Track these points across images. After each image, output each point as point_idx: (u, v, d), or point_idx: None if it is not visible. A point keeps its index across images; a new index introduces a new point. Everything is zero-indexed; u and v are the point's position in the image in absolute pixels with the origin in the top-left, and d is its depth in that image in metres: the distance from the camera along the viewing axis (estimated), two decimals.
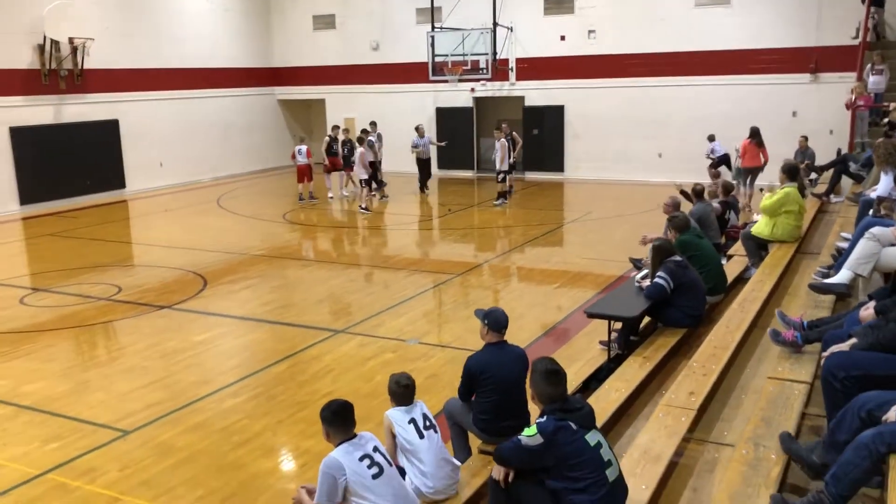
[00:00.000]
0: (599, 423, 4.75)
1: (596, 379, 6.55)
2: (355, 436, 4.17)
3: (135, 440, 6.67)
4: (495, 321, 5.11)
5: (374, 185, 19.14)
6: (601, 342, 7.33)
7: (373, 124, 20.23)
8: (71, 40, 19.20)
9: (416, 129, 20.30)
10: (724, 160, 17.60)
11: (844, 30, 17.68)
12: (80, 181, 19.96)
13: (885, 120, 13.04)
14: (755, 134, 15.98)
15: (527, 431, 3.82)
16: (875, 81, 15.07)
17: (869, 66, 15.47)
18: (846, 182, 12.63)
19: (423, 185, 20.49)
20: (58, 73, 19.35)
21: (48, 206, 19.08)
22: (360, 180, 18.22)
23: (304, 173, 19.17)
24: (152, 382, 7.96)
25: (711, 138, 18.31)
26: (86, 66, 19.81)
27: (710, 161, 17.64)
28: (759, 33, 19.34)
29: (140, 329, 9.75)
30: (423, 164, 20.39)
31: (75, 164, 19.74)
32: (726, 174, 16.24)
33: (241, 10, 25.09)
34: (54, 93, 19.42)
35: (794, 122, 18.72)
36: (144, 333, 9.55)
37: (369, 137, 19.05)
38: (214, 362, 8.70)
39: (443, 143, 21.75)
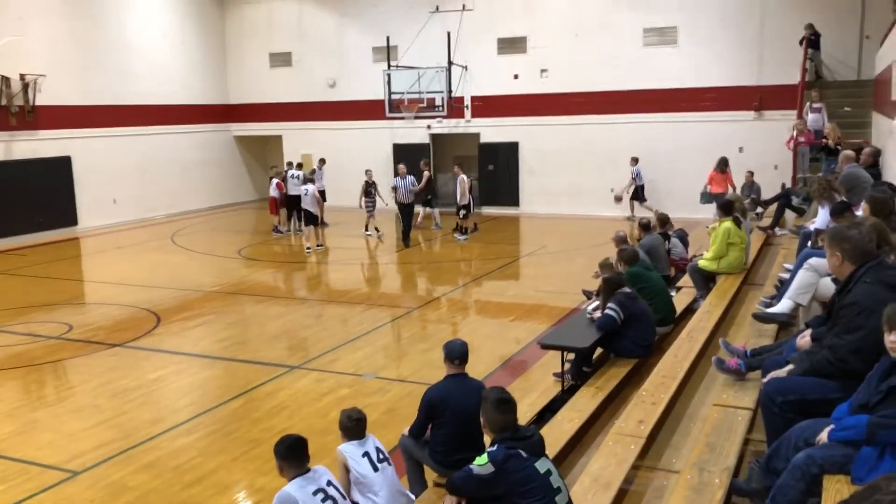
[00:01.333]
0: (552, 453, 4.84)
1: (550, 410, 6.63)
2: (309, 470, 4.20)
3: (84, 481, 6.53)
4: (449, 352, 5.21)
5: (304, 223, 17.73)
6: (555, 374, 7.44)
7: (321, 161, 20.74)
8: (22, 76, 19.00)
9: (397, 168, 18.43)
10: (640, 189, 19.01)
11: (785, 70, 18.44)
12: (30, 219, 19.55)
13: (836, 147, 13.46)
14: (722, 163, 16.88)
15: (478, 461, 3.88)
16: (814, 119, 15.73)
17: (808, 104, 16.15)
18: (790, 215, 13.13)
19: (405, 236, 17.76)
20: (8, 109, 19.06)
21: None
22: (304, 218, 17.32)
23: (271, 205, 19.95)
24: (103, 422, 7.82)
25: (636, 161, 19.30)
26: (37, 103, 19.56)
27: (631, 184, 18.80)
28: (705, 73, 20.01)
29: (91, 368, 9.57)
30: (406, 210, 17.79)
31: (26, 202, 19.36)
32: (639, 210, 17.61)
33: (196, 47, 25.08)
34: (5, 129, 19.09)
35: (741, 158, 19.28)
36: (96, 372, 9.38)
37: (291, 172, 19.54)
38: (168, 400, 8.58)
39: (416, 187, 18.15)
